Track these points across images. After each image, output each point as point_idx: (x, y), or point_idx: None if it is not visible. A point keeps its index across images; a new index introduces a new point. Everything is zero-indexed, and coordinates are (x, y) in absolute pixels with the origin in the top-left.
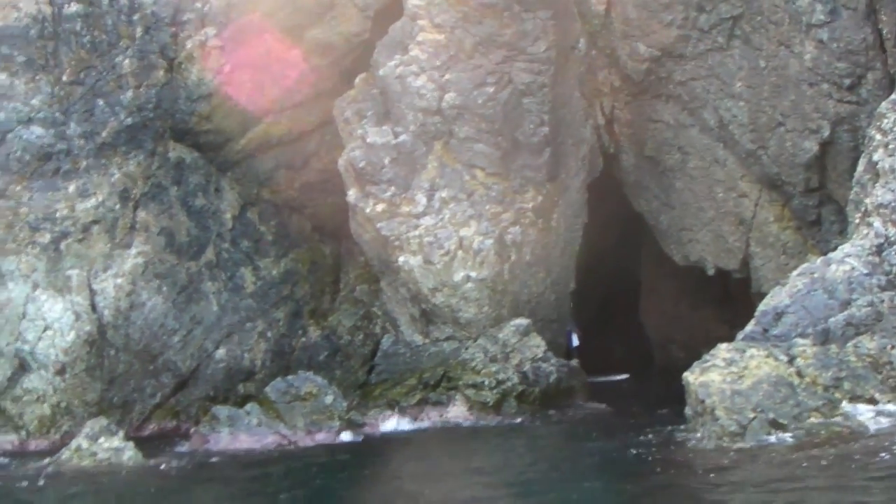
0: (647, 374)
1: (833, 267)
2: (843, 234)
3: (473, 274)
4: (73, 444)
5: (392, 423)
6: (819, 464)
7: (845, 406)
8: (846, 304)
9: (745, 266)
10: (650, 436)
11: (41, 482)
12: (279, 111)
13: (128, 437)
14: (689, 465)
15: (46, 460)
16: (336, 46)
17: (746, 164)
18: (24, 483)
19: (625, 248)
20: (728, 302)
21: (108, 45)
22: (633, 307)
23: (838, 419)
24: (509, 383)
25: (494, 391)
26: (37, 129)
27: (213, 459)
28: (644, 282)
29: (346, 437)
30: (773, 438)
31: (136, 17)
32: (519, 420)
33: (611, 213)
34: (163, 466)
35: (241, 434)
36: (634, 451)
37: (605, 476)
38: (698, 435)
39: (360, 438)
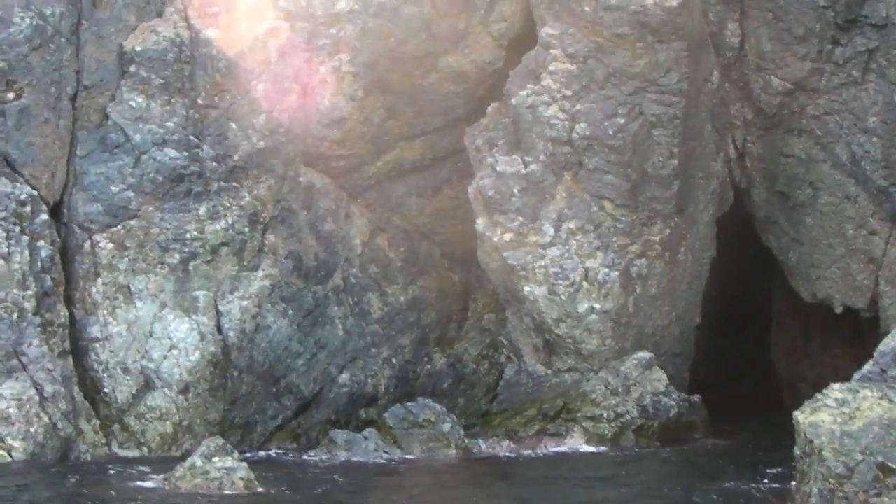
0: (777, 412)
1: None
2: None
3: (598, 306)
4: (188, 462)
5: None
6: None
7: None
8: None
9: (874, 305)
10: (758, 478)
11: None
12: (413, 137)
13: (244, 458)
14: None
15: (162, 476)
16: (469, 74)
17: (878, 200)
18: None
19: (756, 284)
20: (859, 341)
21: (242, 70)
22: (764, 344)
23: None
24: (628, 416)
25: (613, 424)
26: (170, 151)
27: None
28: (775, 318)
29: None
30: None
31: (271, 42)
32: (629, 451)
33: (742, 248)
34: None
35: (357, 458)
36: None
37: None
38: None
39: None
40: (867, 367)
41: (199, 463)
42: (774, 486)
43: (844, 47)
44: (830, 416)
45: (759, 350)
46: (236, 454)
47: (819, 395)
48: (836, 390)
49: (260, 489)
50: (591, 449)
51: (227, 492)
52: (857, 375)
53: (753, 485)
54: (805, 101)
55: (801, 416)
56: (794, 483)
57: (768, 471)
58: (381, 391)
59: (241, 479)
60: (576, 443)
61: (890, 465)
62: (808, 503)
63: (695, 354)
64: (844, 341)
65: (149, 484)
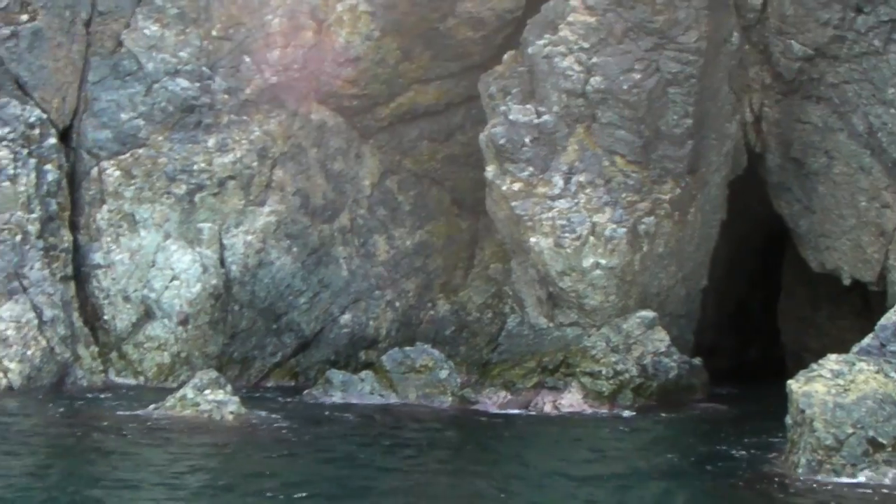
0: (781, 380)
1: None
2: None
3: (603, 261)
4: (179, 392)
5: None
6: None
7: None
8: None
9: (882, 279)
10: (749, 444)
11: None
12: (427, 81)
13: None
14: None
15: (151, 406)
16: (487, 21)
17: (892, 174)
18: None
19: (768, 249)
20: (867, 314)
21: (259, 3)
22: (772, 310)
23: None
24: (627, 375)
25: (611, 381)
26: (182, 82)
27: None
28: (784, 286)
29: None
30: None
31: None
32: (626, 414)
33: (754, 213)
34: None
35: (352, 399)
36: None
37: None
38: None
39: None
40: (866, 340)
41: (190, 394)
42: (764, 454)
43: (867, 16)
44: (825, 386)
45: (767, 317)
46: (229, 387)
47: (815, 366)
48: (832, 361)
49: (250, 423)
50: (589, 410)
51: (215, 422)
52: (855, 348)
53: (742, 451)
54: (825, 68)
55: (794, 385)
56: (783, 453)
57: (760, 438)
58: (382, 334)
59: (232, 412)
60: (573, 398)
61: (880, 440)
62: (795, 473)
63: (701, 317)
64: (853, 313)
65: (139, 412)
